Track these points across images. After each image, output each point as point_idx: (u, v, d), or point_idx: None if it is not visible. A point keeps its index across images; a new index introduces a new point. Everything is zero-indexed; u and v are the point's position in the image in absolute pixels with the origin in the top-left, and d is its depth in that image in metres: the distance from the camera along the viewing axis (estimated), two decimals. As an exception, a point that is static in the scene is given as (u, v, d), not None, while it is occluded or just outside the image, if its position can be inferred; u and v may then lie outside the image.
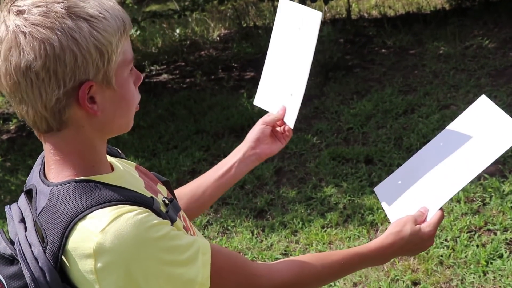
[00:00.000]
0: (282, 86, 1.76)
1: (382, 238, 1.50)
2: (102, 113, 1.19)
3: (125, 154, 4.81)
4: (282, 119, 1.75)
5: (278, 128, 1.77)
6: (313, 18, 1.61)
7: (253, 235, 4.01)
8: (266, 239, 3.95)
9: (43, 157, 1.28)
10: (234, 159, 1.72)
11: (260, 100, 1.83)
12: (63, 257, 1.14)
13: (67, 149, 1.22)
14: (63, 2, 1.11)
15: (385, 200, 1.69)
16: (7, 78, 1.13)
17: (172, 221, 1.28)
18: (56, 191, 1.18)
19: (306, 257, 1.46)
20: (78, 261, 1.13)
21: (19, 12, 1.11)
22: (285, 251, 3.79)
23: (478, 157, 1.49)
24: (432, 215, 1.52)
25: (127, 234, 1.11)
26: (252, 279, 1.34)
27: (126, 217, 1.13)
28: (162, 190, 1.45)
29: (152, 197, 1.25)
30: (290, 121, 1.73)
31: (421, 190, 1.59)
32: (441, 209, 1.52)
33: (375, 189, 1.76)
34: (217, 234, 4.11)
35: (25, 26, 1.09)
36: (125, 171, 1.35)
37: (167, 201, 1.34)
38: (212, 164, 4.85)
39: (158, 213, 1.22)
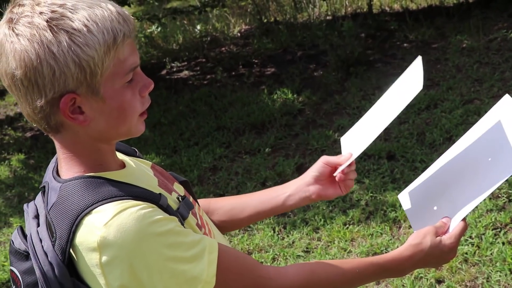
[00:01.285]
0: (362, 134, 1.64)
1: (401, 250, 1.46)
2: (93, 122, 1.20)
3: (146, 151, 4.84)
4: (347, 167, 1.60)
5: (339, 175, 1.61)
6: (416, 85, 1.50)
7: (274, 232, 3.99)
8: (287, 236, 3.92)
9: (57, 157, 1.31)
10: (285, 190, 1.65)
11: (345, 138, 1.70)
12: (71, 251, 1.16)
13: (72, 148, 1.24)
14: (48, 13, 1.11)
15: (408, 208, 1.65)
16: (3, 80, 1.17)
17: (183, 218, 1.30)
18: (65, 187, 1.21)
19: (318, 263, 1.43)
20: (85, 255, 1.15)
21: (10, 21, 1.13)
22: (306, 248, 3.77)
23: (502, 166, 1.43)
24: (454, 226, 1.47)
25: (129, 228, 1.13)
26: (260, 282, 1.32)
27: (129, 211, 1.14)
28: (179, 189, 1.45)
29: (160, 193, 1.25)
30: (339, 169, 1.61)
31: (445, 199, 1.54)
32: (464, 219, 1.47)
33: (399, 196, 1.72)
34: (239, 231, 4.09)
35: (10, 36, 1.12)
36: (137, 169, 1.36)
37: (180, 199, 1.34)
38: (233, 161, 4.86)
39: (165, 209, 1.23)
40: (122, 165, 1.33)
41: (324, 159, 1.62)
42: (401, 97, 1.54)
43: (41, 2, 1.12)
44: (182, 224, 1.28)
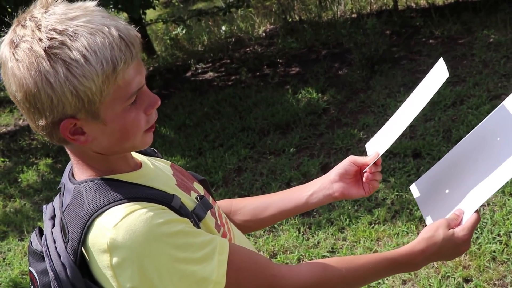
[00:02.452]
0: (386, 135, 1.63)
1: (414, 244, 1.44)
2: (95, 141, 1.20)
3: (172, 154, 4.87)
4: (374, 166, 1.59)
5: (366, 174, 1.61)
6: (440, 77, 1.50)
7: (299, 233, 3.97)
8: (312, 236, 3.90)
9: None
10: (308, 188, 1.65)
11: (370, 144, 1.69)
12: (85, 253, 1.18)
13: (81, 157, 1.27)
14: (47, 42, 1.10)
15: (420, 200, 1.63)
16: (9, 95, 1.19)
17: (199, 219, 1.31)
18: (78, 189, 1.22)
19: (330, 260, 1.41)
20: (97, 257, 1.16)
21: (11, 43, 1.13)
22: (332, 248, 3.74)
23: None
24: (468, 218, 1.45)
25: (138, 230, 1.13)
26: (273, 280, 1.31)
27: (138, 213, 1.15)
28: (199, 188, 1.46)
29: (173, 194, 1.26)
30: (371, 149, 1.62)
31: (457, 191, 1.52)
32: (477, 211, 1.44)
33: (411, 187, 1.70)
34: (264, 232, 4.08)
35: (11, 60, 1.12)
36: (153, 170, 1.36)
37: (198, 199, 1.34)
38: (257, 161, 4.85)
39: (177, 210, 1.23)
40: (138, 165, 1.34)
41: (351, 158, 1.62)
42: (426, 92, 1.53)
43: (41, 26, 1.11)
44: (197, 225, 1.28)
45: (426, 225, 1.51)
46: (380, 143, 1.63)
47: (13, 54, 1.12)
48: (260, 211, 1.67)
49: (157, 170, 1.37)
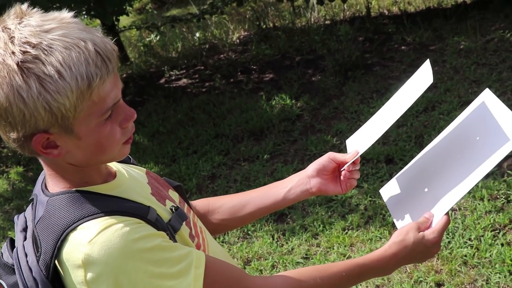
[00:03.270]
0: (368, 133, 1.64)
1: (385, 248, 1.46)
2: (69, 154, 1.18)
3: (145, 161, 4.84)
4: (352, 164, 1.60)
5: (344, 172, 1.62)
6: (425, 81, 1.49)
7: (273, 239, 3.98)
8: (286, 243, 3.91)
9: None
10: (286, 184, 1.65)
11: (351, 140, 1.70)
12: (59, 267, 1.16)
13: (54, 168, 1.24)
14: (20, 55, 1.06)
15: (390, 203, 1.64)
16: None
17: (175, 230, 1.29)
18: (51, 202, 1.20)
19: (304, 270, 1.42)
20: (71, 272, 1.14)
21: None
22: (306, 255, 3.75)
23: (483, 159, 1.42)
24: (438, 221, 1.46)
25: (114, 245, 1.12)
26: None
27: (114, 228, 1.13)
28: (174, 196, 1.45)
29: (148, 206, 1.24)
30: (352, 146, 1.62)
31: (427, 194, 1.53)
32: (447, 214, 1.46)
33: (381, 190, 1.71)
34: (238, 239, 4.08)
35: None
36: (128, 179, 1.35)
37: (173, 209, 1.33)
38: (231, 168, 4.85)
39: (153, 223, 1.22)
40: (113, 175, 1.32)
41: (330, 154, 1.62)
42: (410, 94, 1.54)
43: (15, 39, 1.08)
44: (173, 237, 1.27)
45: (396, 229, 1.53)
46: (361, 141, 1.64)
47: None
48: (238, 209, 1.66)
49: (132, 179, 1.36)
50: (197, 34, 8.44)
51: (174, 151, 5.51)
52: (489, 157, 1.40)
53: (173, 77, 7.36)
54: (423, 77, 1.53)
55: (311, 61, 6.55)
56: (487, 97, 1.51)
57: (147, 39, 8.64)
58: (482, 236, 3.45)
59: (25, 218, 1.31)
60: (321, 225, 3.93)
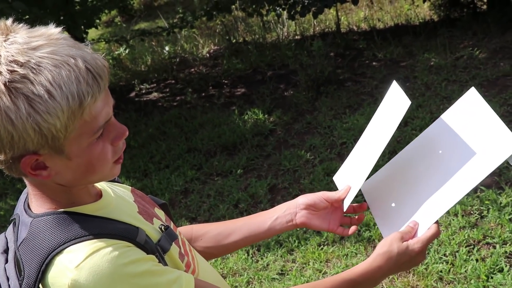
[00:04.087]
0: (356, 166, 1.62)
1: (370, 261, 1.45)
2: (59, 175, 1.13)
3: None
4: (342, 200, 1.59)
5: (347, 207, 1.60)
6: (401, 104, 1.48)
7: (248, 255, 3.94)
8: (262, 259, 3.88)
9: None
10: (272, 214, 1.63)
11: (338, 176, 1.68)
12: None
13: (40, 188, 1.18)
14: (7, 75, 1.01)
15: (376, 211, 1.63)
16: None
17: (164, 251, 1.25)
18: (36, 223, 1.15)
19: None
20: None
21: None
22: (281, 270, 3.73)
23: (473, 169, 1.41)
24: (425, 231, 1.45)
25: (102, 270, 1.08)
26: None
27: (103, 252, 1.09)
28: (160, 214, 1.42)
29: (137, 228, 1.20)
30: (346, 202, 1.59)
31: (408, 203, 1.52)
32: (436, 222, 1.45)
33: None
34: (212, 255, 4.03)
35: None
36: (115, 198, 1.30)
37: (163, 228, 1.29)
38: (204, 183, 4.81)
39: (142, 246, 1.18)
40: (99, 194, 1.27)
41: (324, 194, 1.60)
42: (389, 120, 1.52)
43: (1, 57, 1.02)
44: (162, 258, 1.23)
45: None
46: (349, 176, 1.62)
47: None
48: (223, 237, 1.63)
49: (118, 198, 1.31)
50: (167, 48, 8.40)
51: (145, 166, 5.45)
52: (478, 169, 1.40)
53: (144, 91, 7.30)
54: (396, 100, 1.52)
55: (283, 76, 6.56)
56: (473, 97, 1.50)
57: (116, 52, 8.57)
58: (457, 251, 3.47)
59: (6, 239, 1.25)
60: (296, 241, 3.92)
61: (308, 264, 3.72)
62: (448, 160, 1.49)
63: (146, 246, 1.19)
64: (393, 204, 1.56)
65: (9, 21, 1.08)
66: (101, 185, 1.32)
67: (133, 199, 1.37)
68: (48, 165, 1.11)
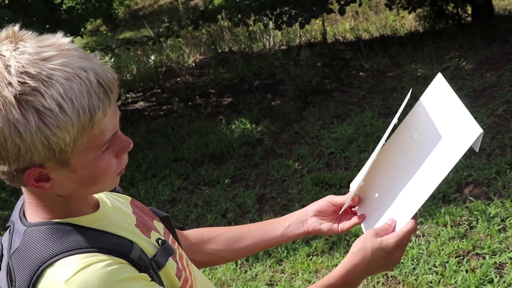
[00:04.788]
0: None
1: (345, 262, 1.41)
2: (61, 187, 1.10)
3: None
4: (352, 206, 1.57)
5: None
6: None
7: (237, 265, 3.91)
8: (250, 269, 3.85)
9: None
10: (284, 222, 1.61)
11: (354, 183, 1.64)
12: None
13: (38, 197, 1.15)
14: (19, 85, 0.97)
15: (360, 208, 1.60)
16: None
17: (159, 267, 1.22)
18: (29, 232, 1.12)
19: None
20: None
21: None
22: (270, 281, 3.70)
23: (441, 158, 1.38)
24: (402, 226, 1.41)
25: (92, 287, 1.04)
26: None
27: (93, 268, 1.06)
28: (159, 227, 1.37)
29: (132, 243, 1.17)
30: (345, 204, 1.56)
31: (387, 196, 1.49)
32: (414, 218, 1.40)
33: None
34: (200, 265, 4.00)
35: None
36: (112, 209, 1.27)
37: (160, 243, 1.26)
38: (192, 193, 4.78)
39: (135, 262, 1.15)
40: (96, 205, 1.24)
41: (329, 198, 1.58)
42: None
43: (11, 68, 0.99)
44: (156, 275, 1.20)
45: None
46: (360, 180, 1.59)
47: None
48: (235, 241, 1.61)
49: (116, 210, 1.27)
50: (152, 57, 8.38)
51: (132, 175, 5.40)
52: (447, 158, 1.36)
53: (130, 100, 7.26)
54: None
55: (270, 86, 6.56)
56: (440, 83, 1.48)
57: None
58: (447, 262, 3.47)
59: (1, 245, 1.21)
60: (285, 251, 3.89)
61: (297, 275, 3.69)
62: (421, 146, 1.44)
63: (140, 262, 1.16)
64: (376, 195, 1.53)
65: (16, 28, 1.05)
66: (99, 196, 1.28)
67: (132, 210, 1.34)
68: (51, 177, 1.07)
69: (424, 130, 1.45)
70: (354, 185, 1.61)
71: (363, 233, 1.49)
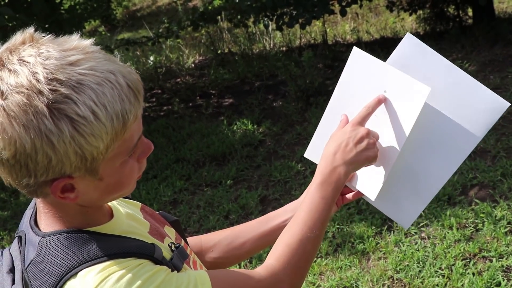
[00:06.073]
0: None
1: (320, 159, 1.38)
2: (85, 196, 1.06)
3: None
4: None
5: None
6: (418, 92, 1.38)
7: (240, 267, 3.87)
8: (254, 271, 3.81)
9: (36, 201, 1.16)
10: (284, 215, 1.55)
11: (310, 153, 1.60)
12: None
13: (57, 207, 1.10)
14: (49, 94, 0.92)
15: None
16: None
17: (177, 270, 1.17)
18: (45, 242, 1.07)
19: (282, 238, 1.32)
20: None
21: None
22: (274, 283, 3.66)
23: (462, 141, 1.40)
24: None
25: None
26: (260, 286, 1.23)
27: (115, 277, 1.02)
28: (170, 232, 1.34)
29: (153, 244, 1.14)
30: (315, 158, 1.54)
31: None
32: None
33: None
34: (203, 267, 3.96)
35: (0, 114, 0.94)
36: (126, 216, 1.23)
37: (173, 247, 1.22)
38: (194, 194, 4.74)
39: (160, 261, 1.11)
40: (110, 213, 1.20)
41: None
42: (402, 107, 1.42)
43: (39, 74, 0.93)
44: None
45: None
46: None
47: (3, 108, 0.93)
48: (234, 246, 1.55)
49: (129, 217, 1.24)
50: (152, 58, 8.35)
51: (133, 176, 5.36)
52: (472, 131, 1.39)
53: (129, 100, 7.21)
54: (412, 92, 1.40)
55: (271, 87, 6.52)
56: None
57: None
58: (453, 265, 3.44)
59: (11, 256, 1.16)
60: (289, 253, 3.85)
61: (302, 277, 3.65)
62: (435, 128, 1.44)
63: (163, 261, 1.13)
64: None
65: (31, 30, 1.00)
66: (112, 203, 1.24)
67: (143, 216, 1.30)
68: (76, 187, 1.03)
69: (432, 120, 1.44)
70: (314, 156, 1.58)
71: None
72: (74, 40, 1.00)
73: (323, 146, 1.41)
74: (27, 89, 0.92)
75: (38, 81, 0.93)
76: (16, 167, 0.97)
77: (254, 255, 3.91)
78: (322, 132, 1.57)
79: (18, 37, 0.99)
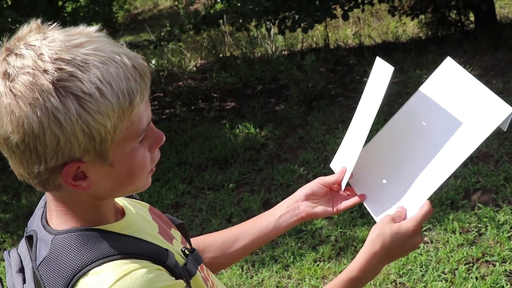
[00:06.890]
0: (349, 148, 1.56)
1: (365, 250, 1.37)
2: (97, 186, 1.05)
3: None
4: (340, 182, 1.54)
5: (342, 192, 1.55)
6: (385, 73, 1.43)
7: (243, 270, 3.87)
8: (256, 274, 3.81)
9: (46, 200, 1.15)
10: (275, 213, 1.56)
11: (334, 163, 1.62)
12: None
13: (68, 203, 1.09)
14: (54, 73, 0.93)
15: (363, 189, 1.56)
16: None
17: (191, 276, 1.17)
18: (58, 240, 1.06)
19: None
20: None
21: (5, 75, 0.95)
22: (277, 286, 3.66)
23: (463, 139, 1.36)
24: (414, 211, 1.39)
25: None
26: None
27: (134, 275, 1.01)
28: (176, 235, 1.33)
29: (166, 249, 1.13)
30: (343, 183, 1.54)
31: (396, 182, 1.46)
32: (428, 201, 1.38)
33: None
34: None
35: (6, 95, 0.95)
36: (137, 216, 1.22)
37: (187, 252, 1.21)
38: (196, 197, 4.74)
39: (172, 269, 1.10)
40: (121, 212, 1.19)
41: (320, 180, 1.55)
42: (376, 93, 1.48)
43: (44, 56, 0.95)
44: (188, 283, 1.15)
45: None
46: (344, 159, 1.57)
47: (10, 89, 0.94)
48: (229, 245, 1.55)
49: (139, 217, 1.23)
50: (153, 61, 8.36)
51: (135, 179, 5.36)
52: (472, 135, 1.34)
53: (131, 103, 7.22)
54: (381, 71, 1.47)
55: (273, 90, 6.53)
56: (449, 66, 1.45)
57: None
58: (456, 269, 3.43)
59: (19, 256, 1.15)
60: (292, 257, 3.85)
61: (304, 280, 3.65)
62: (433, 132, 1.42)
63: (175, 270, 1.11)
64: (384, 181, 1.49)
65: (39, 21, 1.02)
66: (123, 202, 1.24)
67: (151, 218, 1.30)
68: (88, 174, 1.03)
69: (433, 116, 1.43)
70: (337, 166, 1.58)
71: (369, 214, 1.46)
72: (79, 27, 1.02)
73: (351, 156, 1.46)
74: (33, 69, 0.94)
75: (42, 60, 0.94)
76: (26, 153, 0.98)
77: (256, 259, 3.91)
78: (351, 143, 1.56)
79: (25, 28, 1.00)
